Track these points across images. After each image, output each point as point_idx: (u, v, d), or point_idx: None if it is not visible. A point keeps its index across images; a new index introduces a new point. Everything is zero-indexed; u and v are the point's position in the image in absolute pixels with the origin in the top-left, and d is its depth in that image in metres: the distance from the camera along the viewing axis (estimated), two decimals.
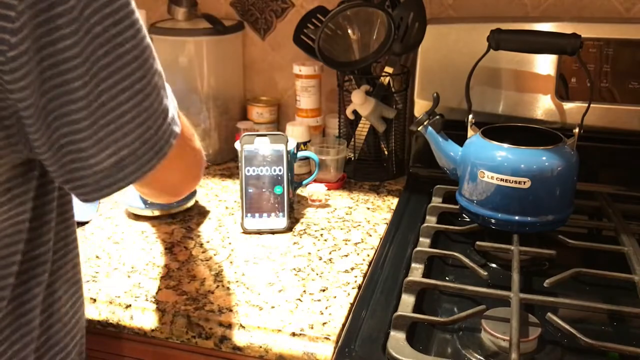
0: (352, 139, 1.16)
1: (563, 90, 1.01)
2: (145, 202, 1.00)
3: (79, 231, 0.95)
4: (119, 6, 0.49)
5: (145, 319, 0.75)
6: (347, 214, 1.01)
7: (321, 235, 0.94)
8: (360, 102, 1.09)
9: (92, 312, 0.77)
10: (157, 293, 0.79)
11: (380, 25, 1.05)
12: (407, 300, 0.75)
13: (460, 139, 0.93)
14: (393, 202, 1.06)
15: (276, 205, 0.95)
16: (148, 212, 0.99)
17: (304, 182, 1.05)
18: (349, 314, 0.75)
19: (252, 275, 0.83)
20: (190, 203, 1.02)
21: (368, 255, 0.88)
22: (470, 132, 0.93)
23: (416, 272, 0.81)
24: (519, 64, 1.02)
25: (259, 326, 0.72)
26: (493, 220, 0.87)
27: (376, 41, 1.06)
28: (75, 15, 0.46)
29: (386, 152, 1.16)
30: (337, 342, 0.69)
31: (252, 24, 1.30)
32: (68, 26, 0.46)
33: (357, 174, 1.16)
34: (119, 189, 0.55)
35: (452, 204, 0.96)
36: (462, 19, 1.09)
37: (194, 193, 1.04)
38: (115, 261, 0.87)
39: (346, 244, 0.91)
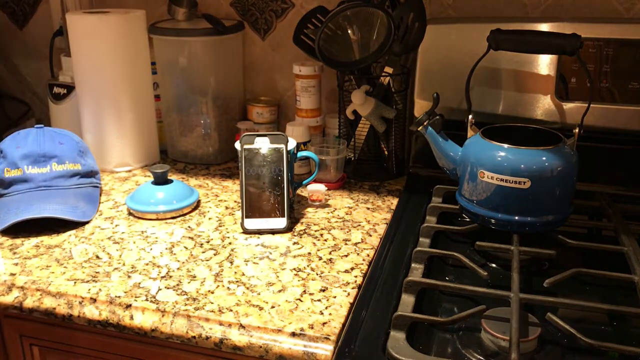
0: (352, 139, 1.16)
1: (563, 90, 1.01)
2: (146, 202, 1.00)
3: (79, 231, 0.96)
4: None
5: (145, 319, 0.75)
6: (347, 214, 1.01)
7: (321, 235, 0.94)
8: (360, 102, 1.09)
9: (92, 312, 0.77)
10: (157, 293, 0.79)
11: (380, 25, 1.05)
12: (407, 300, 0.75)
13: (460, 139, 0.93)
14: (393, 202, 1.06)
15: (276, 205, 0.95)
16: (148, 213, 0.99)
17: (304, 182, 1.05)
18: (349, 314, 0.75)
19: (252, 275, 0.83)
20: (191, 203, 1.02)
21: (368, 255, 0.88)
22: (470, 132, 0.93)
23: (416, 272, 0.81)
24: (519, 64, 1.02)
25: (259, 326, 0.72)
26: (493, 220, 0.87)
27: (376, 41, 1.06)
28: None
29: (386, 152, 1.16)
30: (337, 342, 0.70)
31: (252, 24, 1.30)
32: None
33: (357, 174, 1.16)
34: None
35: (452, 204, 0.96)
36: (462, 19, 1.09)
37: (194, 193, 1.04)
38: (115, 261, 0.87)
39: (346, 244, 0.91)
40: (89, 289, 0.80)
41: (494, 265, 0.88)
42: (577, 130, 0.89)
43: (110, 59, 1.14)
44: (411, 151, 1.14)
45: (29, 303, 0.79)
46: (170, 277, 0.83)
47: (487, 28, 0.93)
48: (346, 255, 0.88)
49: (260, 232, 0.94)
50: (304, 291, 0.79)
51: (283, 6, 1.27)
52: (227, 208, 1.04)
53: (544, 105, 1.02)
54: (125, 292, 0.79)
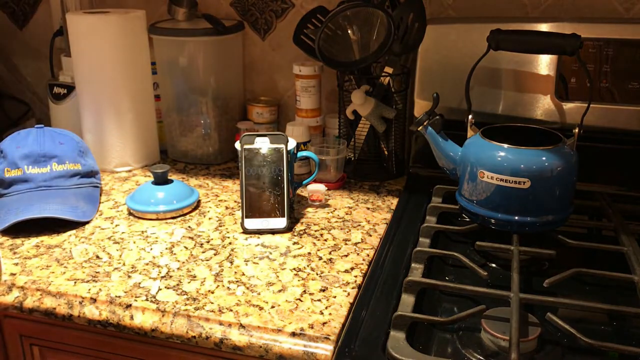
0: (352, 139, 1.16)
1: (563, 90, 1.01)
2: (146, 202, 1.00)
3: (79, 231, 0.96)
4: None
5: (145, 319, 0.75)
6: (347, 214, 1.01)
7: (321, 235, 0.94)
8: (360, 102, 1.09)
9: (92, 312, 0.77)
10: (157, 293, 0.79)
11: (380, 25, 1.05)
12: (407, 300, 0.75)
13: (460, 139, 0.93)
14: (393, 202, 1.06)
15: (276, 205, 0.95)
16: (148, 213, 0.99)
17: (304, 182, 1.05)
18: (349, 314, 0.75)
19: (252, 275, 0.83)
20: (191, 203, 1.02)
21: (368, 255, 0.88)
22: (470, 132, 0.93)
23: (416, 272, 0.81)
24: (518, 64, 1.02)
25: (259, 326, 0.72)
26: (493, 220, 0.87)
27: (376, 41, 1.06)
28: None
29: (386, 152, 1.16)
30: (337, 342, 0.70)
31: (252, 24, 1.30)
32: None
33: (357, 174, 1.16)
34: None
35: (452, 204, 0.96)
36: (462, 19, 1.09)
37: (194, 193, 1.04)
38: (115, 261, 0.87)
39: (346, 244, 0.91)
40: (89, 289, 0.80)
41: (494, 265, 0.88)
42: (577, 130, 0.88)
43: (110, 59, 1.14)
44: (411, 151, 1.14)
45: (29, 303, 0.79)
46: (170, 277, 0.83)
47: (487, 28, 0.93)
48: (346, 255, 0.88)
49: (260, 232, 0.94)
50: (304, 291, 0.79)
51: (283, 6, 1.27)
52: (227, 208, 1.04)
53: (544, 105, 1.02)
54: (125, 292, 0.79)
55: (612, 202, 0.97)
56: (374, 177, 1.16)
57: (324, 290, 0.79)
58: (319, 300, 0.77)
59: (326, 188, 1.05)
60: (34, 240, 0.93)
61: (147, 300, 0.77)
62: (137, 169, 1.22)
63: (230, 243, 0.92)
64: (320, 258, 0.87)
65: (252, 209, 0.95)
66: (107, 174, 1.20)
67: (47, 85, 1.31)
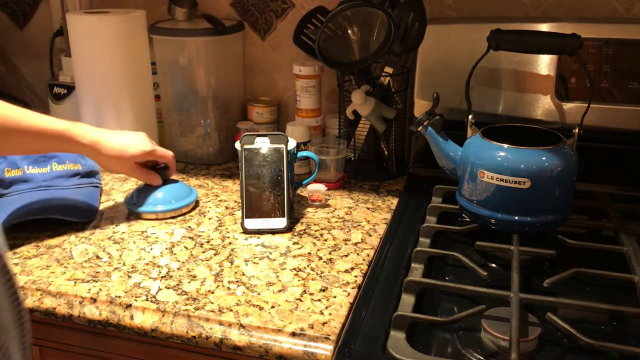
0: (352, 139, 1.16)
1: (563, 90, 1.01)
2: (145, 202, 1.00)
3: (79, 231, 0.96)
4: None
5: (146, 318, 0.75)
6: (347, 214, 1.01)
7: (321, 235, 0.94)
8: (360, 102, 1.09)
9: (92, 312, 0.77)
10: (157, 293, 0.79)
11: (380, 25, 1.05)
12: (407, 300, 0.75)
13: (460, 139, 0.93)
14: (393, 202, 1.06)
15: (276, 205, 0.95)
16: (147, 212, 0.99)
17: (304, 182, 1.05)
18: (349, 314, 0.75)
19: (252, 275, 0.83)
20: (189, 203, 1.02)
21: (368, 255, 0.88)
22: (470, 132, 0.93)
23: (416, 272, 0.81)
24: (519, 64, 1.02)
25: (259, 326, 0.72)
26: (493, 220, 0.87)
27: (376, 41, 1.06)
28: None
29: (386, 152, 1.16)
30: (337, 342, 0.70)
31: (252, 24, 1.30)
32: None
33: (357, 174, 1.16)
34: None
35: (452, 204, 0.96)
36: (462, 19, 1.09)
37: (193, 193, 1.04)
38: (115, 261, 0.87)
39: (346, 244, 0.91)
40: (89, 289, 0.80)
41: (494, 265, 0.88)
42: (577, 130, 0.88)
43: (110, 59, 1.14)
44: (411, 151, 1.14)
45: (29, 303, 0.79)
46: (171, 277, 0.83)
47: (487, 28, 0.93)
48: (346, 255, 0.88)
49: (260, 232, 0.94)
50: (304, 291, 0.79)
51: (283, 6, 1.27)
52: (227, 208, 1.04)
53: (544, 105, 1.02)
54: (125, 292, 0.79)
55: (612, 202, 0.97)
56: (374, 177, 1.16)
57: (324, 290, 0.79)
58: (319, 300, 0.77)
59: (326, 188, 1.05)
60: (34, 240, 0.93)
61: (147, 300, 0.77)
62: None
63: (230, 243, 0.92)
64: (320, 258, 0.87)
65: (252, 209, 0.95)
66: (107, 174, 1.20)
67: (47, 85, 1.31)
